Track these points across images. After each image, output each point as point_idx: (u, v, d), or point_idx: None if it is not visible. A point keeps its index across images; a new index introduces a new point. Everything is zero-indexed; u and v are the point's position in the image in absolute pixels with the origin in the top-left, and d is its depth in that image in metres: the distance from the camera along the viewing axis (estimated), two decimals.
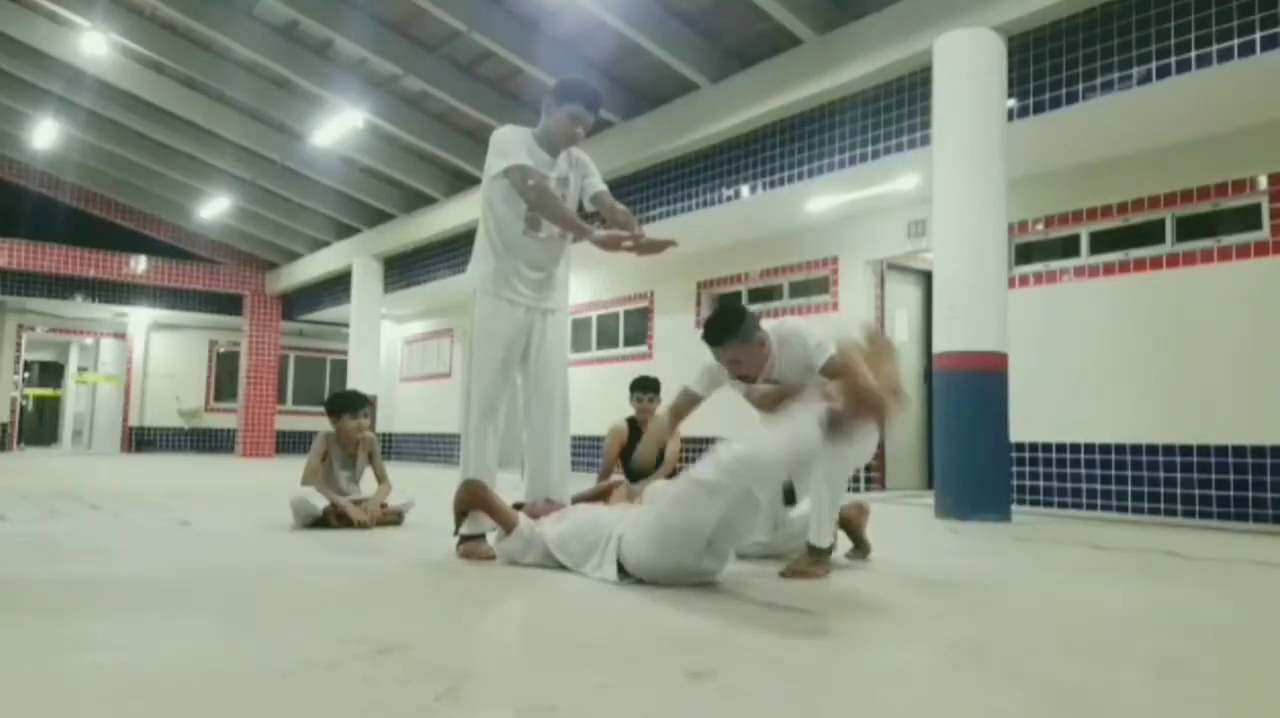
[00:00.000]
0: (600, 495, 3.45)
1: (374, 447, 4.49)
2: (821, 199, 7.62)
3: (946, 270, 5.56)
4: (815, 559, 2.91)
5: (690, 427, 3.49)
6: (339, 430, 4.40)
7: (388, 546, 3.67)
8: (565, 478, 3.34)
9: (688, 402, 3.33)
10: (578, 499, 3.41)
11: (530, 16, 7.55)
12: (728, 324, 3.04)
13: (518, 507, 3.17)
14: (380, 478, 4.44)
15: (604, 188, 3.37)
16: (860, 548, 3.36)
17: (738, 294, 9.26)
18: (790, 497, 3.02)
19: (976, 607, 2.57)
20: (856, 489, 7.83)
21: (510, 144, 3.21)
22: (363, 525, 4.12)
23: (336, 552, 3.45)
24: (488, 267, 3.28)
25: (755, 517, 2.53)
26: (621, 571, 2.64)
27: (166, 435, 17.15)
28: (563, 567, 2.85)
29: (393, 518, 4.33)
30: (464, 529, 3.18)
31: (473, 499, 3.09)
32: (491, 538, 3.18)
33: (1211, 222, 5.90)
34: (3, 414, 15.75)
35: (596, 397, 10.47)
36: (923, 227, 7.37)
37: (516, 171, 3.16)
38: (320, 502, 4.16)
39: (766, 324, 3.19)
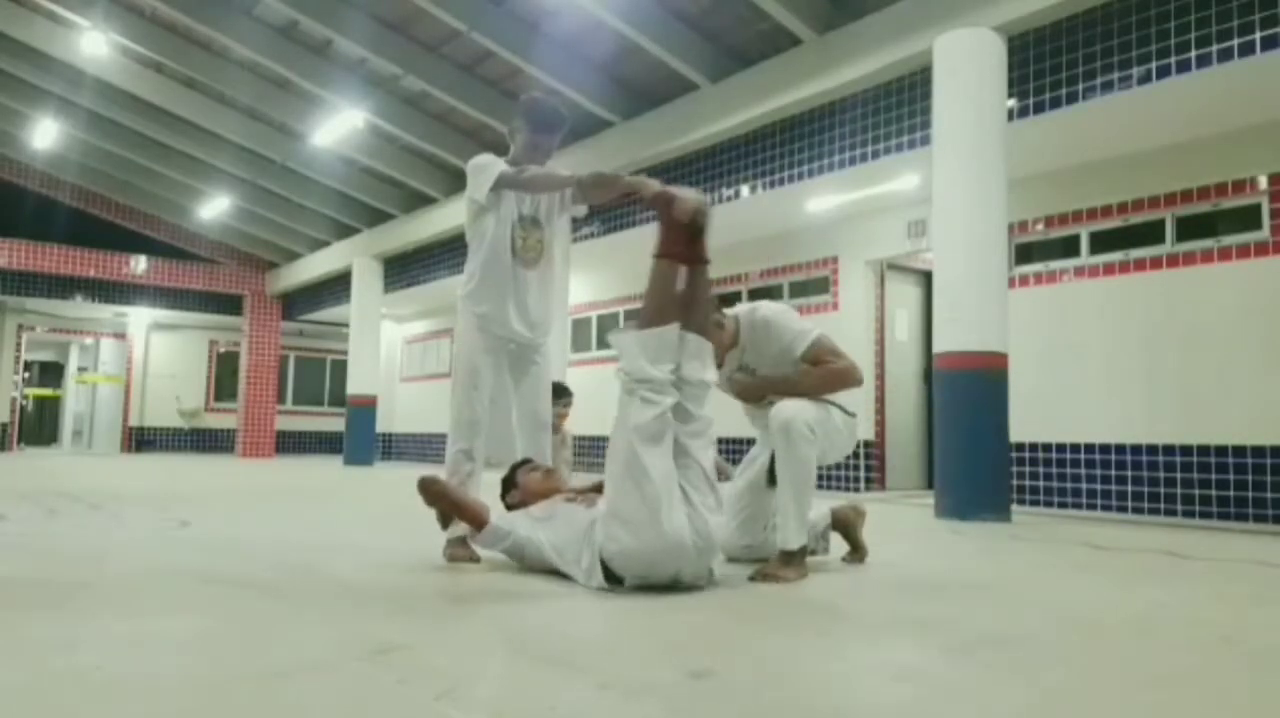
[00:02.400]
0: (597, 488, 3.43)
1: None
2: (821, 199, 7.62)
3: (946, 270, 5.56)
4: (786, 562, 2.85)
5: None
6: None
7: (384, 548, 3.67)
8: None
9: None
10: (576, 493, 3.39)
11: (530, 16, 7.55)
12: None
13: (524, 463, 3.16)
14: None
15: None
16: (857, 552, 3.30)
17: (738, 294, 9.25)
18: (773, 479, 3.00)
19: (976, 608, 2.57)
20: (855, 490, 7.83)
21: (487, 165, 3.25)
22: None
23: (334, 553, 3.45)
24: (471, 280, 3.33)
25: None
26: (609, 576, 2.54)
27: (166, 435, 17.15)
28: (542, 566, 2.81)
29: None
30: (447, 534, 3.18)
31: (434, 498, 2.97)
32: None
33: (1211, 222, 5.90)
34: (3, 414, 15.75)
35: (596, 397, 10.48)
36: (923, 227, 7.37)
37: (506, 179, 3.19)
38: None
39: (739, 308, 3.19)
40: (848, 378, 3.07)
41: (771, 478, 2.99)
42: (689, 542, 2.46)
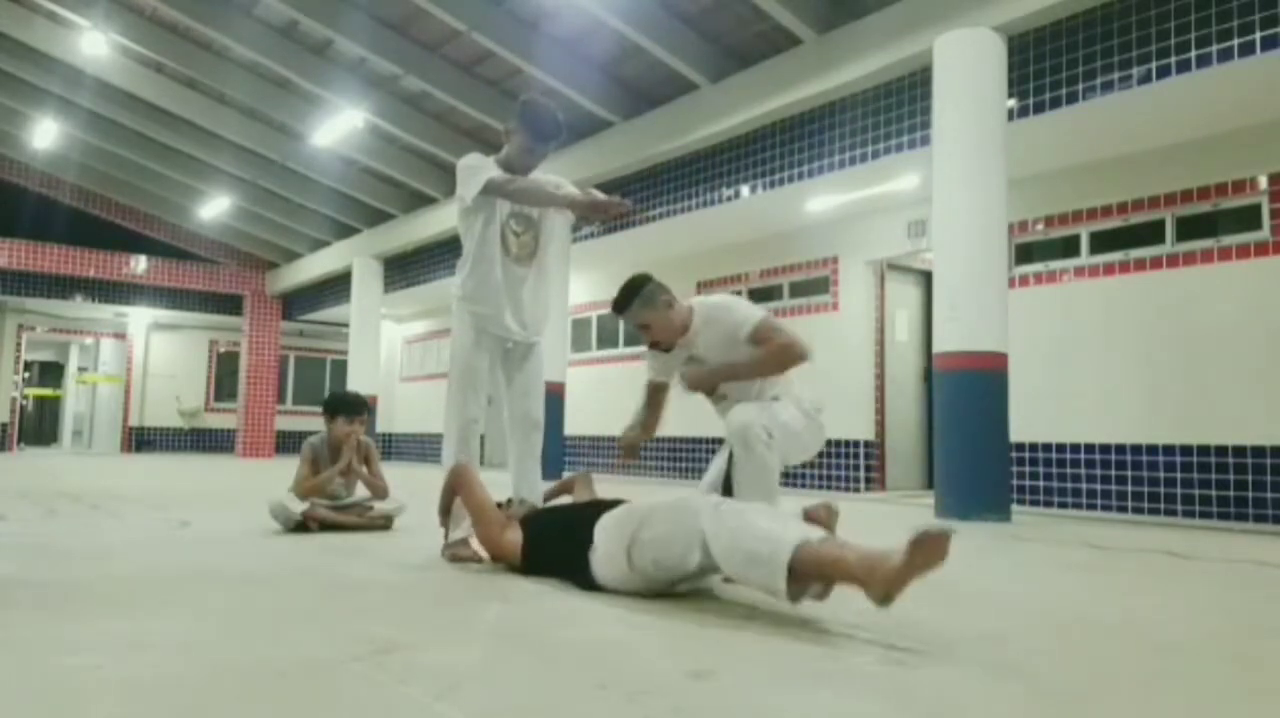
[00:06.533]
0: (565, 489, 3.44)
1: (370, 451, 4.35)
2: (821, 199, 7.62)
3: (946, 270, 5.56)
4: None
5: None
6: (330, 433, 4.34)
7: (384, 548, 3.67)
8: (538, 484, 3.44)
9: (657, 393, 3.32)
10: (548, 496, 3.40)
11: (530, 16, 7.55)
12: (629, 290, 3.11)
13: (501, 505, 3.15)
14: (371, 483, 4.31)
15: (572, 189, 3.37)
16: None
17: (738, 294, 9.25)
18: (728, 485, 2.99)
19: (976, 608, 2.57)
20: (856, 490, 7.83)
21: (477, 167, 3.24)
22: (346, 528, 4.11)
23: (334, 553, 3.45)
24: (467, 279, 3.33)
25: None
26: (594, 582, 2.55)
27: (166, 435, 17.15)
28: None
29: (381, 523, 4.25)
30: (450, 534, 3.19)
31: (458, 480, 3.04)
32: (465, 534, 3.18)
33: (1211, 221, 5.90)
34: (3, 414, 15.75)
35: (596, 397, 10.48)
36: (923, 227, 7.37)
37: (494, 186, 3.19)
38: (299, 506, 4.09)
39: (696, 298, 3.21)
40: (791, 353, 3.00)
41: (728, 485, 2.98)
42: (681, 588, 2.50)
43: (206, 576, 2.85)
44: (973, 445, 5.34)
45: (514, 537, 2.86)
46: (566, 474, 4.01)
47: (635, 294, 3.12)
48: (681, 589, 2.50)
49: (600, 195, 3.21)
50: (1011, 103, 5.66)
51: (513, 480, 3.42)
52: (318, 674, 1.66)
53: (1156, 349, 6.07)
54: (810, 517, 3.28)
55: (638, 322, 3.15)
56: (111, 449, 16.75)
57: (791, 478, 8.16)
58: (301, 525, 4.04)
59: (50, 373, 20.97)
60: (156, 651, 1.83)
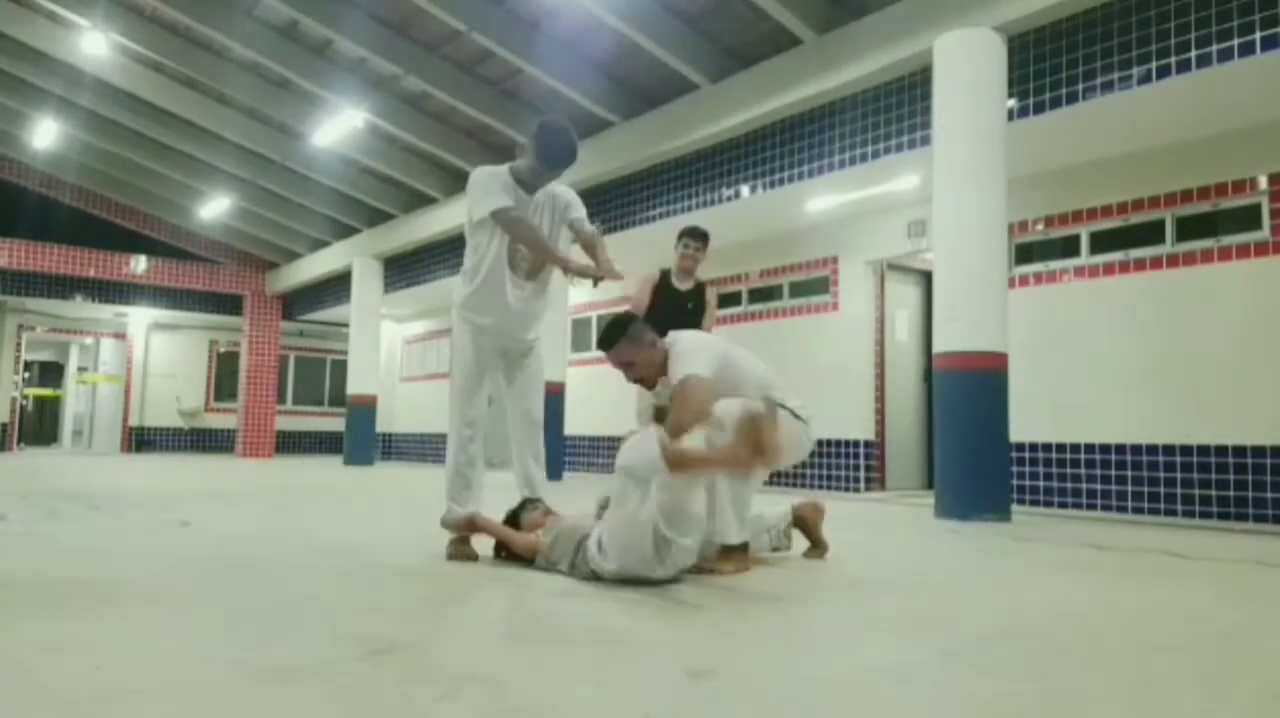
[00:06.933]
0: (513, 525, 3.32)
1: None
2: (821, 199, 7.62)
3: (946, 270, 5.56)
4: (725, 556, 2.92)
5: None
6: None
7: (384, 547, 3.67)
8: (542, 481, 3.48)
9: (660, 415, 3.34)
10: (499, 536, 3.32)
11: (530, 16, 7.55)
12: (614, 327, 3.14)
13: (512, 518, 3.17)
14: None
15: (581, 215, 3.41)
16: (817, 548, 3.37)
17: (738, 294, 9.26)
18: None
19: (976, 607, 2.58)
20: (856, 490, 7.83)
21: (490, 187, 3.26)
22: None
23: (335, 553, 3.46)
24: (471, 292, 3.36)
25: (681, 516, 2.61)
26: (595, 574, 2.71)
27: (166, 435, 17.15)
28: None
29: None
30: (450, 534, 3.23)
31: (472, 528, 3.17)
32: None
33: (1211, 222, 5.90)
34: (3, 414, 15.74)
35: (595, 397, 10.47)
36: (923, 227, 7.37)
37: (501, 215, 3.22)
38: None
39: (665, 341, 3.17)
40: (683, 415, 2.90)
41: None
42: (661, 574, 2.66)
43: (206, 575, 2.85)
44: (973, 445, 5.35)
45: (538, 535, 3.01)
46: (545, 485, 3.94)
47: (621, 333, 3.12)
48: (683, 574, 2.54)
49: (591, 264, 3.23)
50: (1011, 103, 5.66)
51: (516, 480, 3.45)
52: (318, 674, 1.66)
53: (1156, 349, 6.07)
54: (799, 514, 3.38)
55: (622, 360, 3.16)
56: (111, 449, 16.75)
57: (791, 478, 8.17)
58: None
59: (50, 373, 20.97)
60: (156, 651, 1.83)
